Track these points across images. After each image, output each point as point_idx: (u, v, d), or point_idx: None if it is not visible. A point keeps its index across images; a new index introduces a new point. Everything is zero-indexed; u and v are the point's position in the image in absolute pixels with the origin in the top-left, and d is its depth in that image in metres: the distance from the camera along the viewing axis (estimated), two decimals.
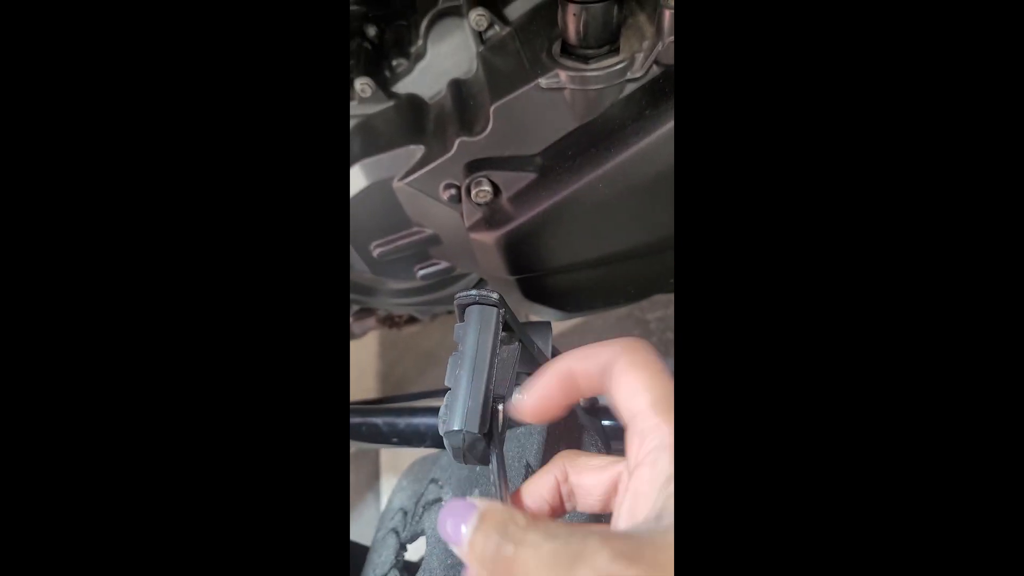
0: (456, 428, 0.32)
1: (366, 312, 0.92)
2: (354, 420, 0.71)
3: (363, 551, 0.64)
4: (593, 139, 0.46)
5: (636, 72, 0.44)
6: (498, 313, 0.34)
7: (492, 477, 0.32)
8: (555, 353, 0.46)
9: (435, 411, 0.70)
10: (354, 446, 0.73)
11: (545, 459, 0.47)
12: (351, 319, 0.92)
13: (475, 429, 0.32)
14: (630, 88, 0.45)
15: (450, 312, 0.84)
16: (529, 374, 0.34)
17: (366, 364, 1.28)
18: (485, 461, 0.33)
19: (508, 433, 0.45)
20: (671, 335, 1.05)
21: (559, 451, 0.48)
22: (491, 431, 0.33)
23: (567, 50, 0.44)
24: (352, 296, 0.75)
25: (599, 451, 0.48)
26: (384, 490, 1.08)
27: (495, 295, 0.35)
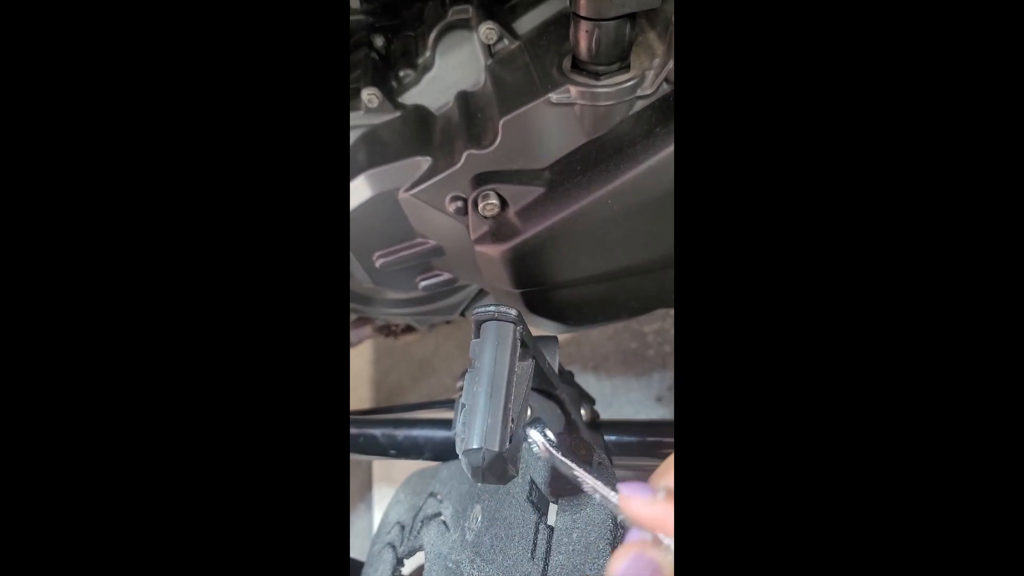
0: (475, 446, 0.32)
1: (363, 321, 0.92)
2: (351, 431, 0.70)
3: (357, 566, 0.62)
4: (602, 155, 0.46)
5: (646, 89, 0.44)
6: (515, 330, 0.34)
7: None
8: (561, 369, 0.46)
9: (433, 423, 0.69)
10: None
11: (552, 478, 0.47)
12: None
13: (495, 447, 0.31)
14: (640, 105, 0.45)
15: (448, 322, 0.83)
16: (539, 391, 0.34)
17: (360, 372, 1.27)
18: (504, 480, 0.33)
19: None
20: (668, 347, 1.05)
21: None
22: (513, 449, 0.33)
23: (577, 66, 0.44)
24: (350, 305, 0.74)
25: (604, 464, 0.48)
26: (376, 501, 1.06)
27: (513, 312, 0.34)
